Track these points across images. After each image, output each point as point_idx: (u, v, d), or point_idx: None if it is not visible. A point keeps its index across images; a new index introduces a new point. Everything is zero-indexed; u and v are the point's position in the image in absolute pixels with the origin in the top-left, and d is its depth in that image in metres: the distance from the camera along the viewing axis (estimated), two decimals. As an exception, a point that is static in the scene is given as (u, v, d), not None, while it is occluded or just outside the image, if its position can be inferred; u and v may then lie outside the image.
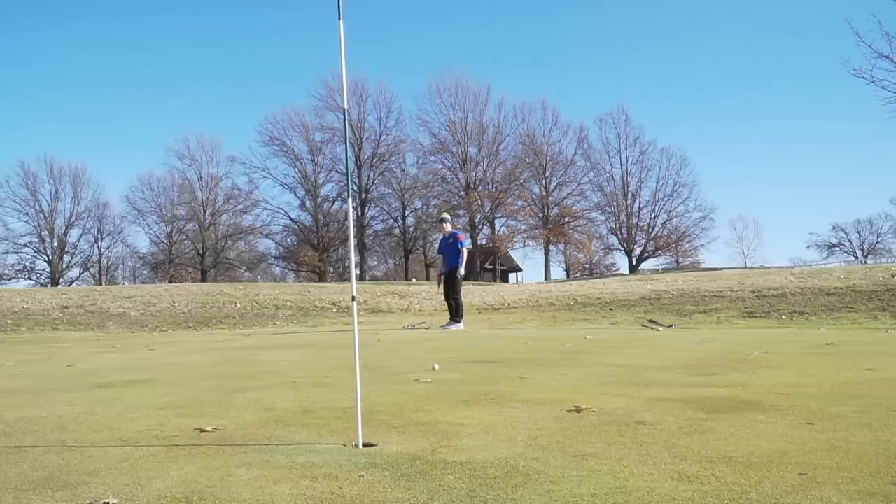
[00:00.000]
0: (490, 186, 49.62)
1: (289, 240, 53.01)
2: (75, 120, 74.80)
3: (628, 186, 51.73)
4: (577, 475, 2.08)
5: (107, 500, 1.90)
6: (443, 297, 11.72)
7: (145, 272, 55.69)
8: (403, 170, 51.38)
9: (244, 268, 54.84)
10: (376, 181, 50.64)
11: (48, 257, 50.25)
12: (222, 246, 52.26)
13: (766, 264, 47.40)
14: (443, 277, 11.58)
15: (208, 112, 77.44)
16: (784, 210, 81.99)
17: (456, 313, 11.29)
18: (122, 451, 2.53)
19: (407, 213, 51.12)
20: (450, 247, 11.46)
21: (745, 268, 42.44)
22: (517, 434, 2.73)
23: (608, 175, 51.77)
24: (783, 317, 12.60)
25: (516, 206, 49.84)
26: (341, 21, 3.03)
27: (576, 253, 52.54)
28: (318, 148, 49.77)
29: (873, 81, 18.20)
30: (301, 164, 50.18)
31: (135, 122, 76.72)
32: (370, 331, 10.58)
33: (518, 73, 71.73)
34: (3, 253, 49.16)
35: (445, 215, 12.40)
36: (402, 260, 53.05)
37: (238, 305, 17.21)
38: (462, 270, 11.34)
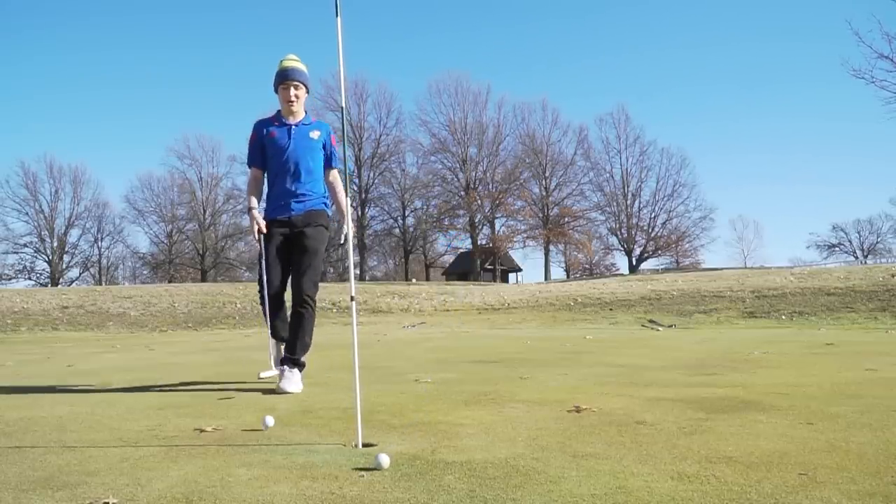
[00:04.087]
0: (490, 186, 49.64)
1: (289, 240, 52.96)
2: (75, 120, 75.02)
3: (628, 186, 51.80)
4: (577, 475, 2.08)
5: (107, 500, 1.90)
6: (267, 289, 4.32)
7: (145, 272, 55.74)
8: (403, 170, 51.45)
9: (244, 268, 54.86)
10: (376, 181, 50.67)
11: (48, 257, 50.27)
12: (222, 246, 52.28)
13: (766, 264, 47.49)
14: (278, 234, 4.35)
15: (208, 112, 77.58)
16: (784, 210, 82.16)
17: (297, 349, 4.27)
18: (122, 451, 2.53)
19: (407, 213, 51.16)
20: (307, 150, 4.36)
21: (745, 268, 42.45)
22: (517, 434, 2.73)
23: (608, 175, 51.88)
24: (783, 317, 12.60)
25: (516, 207, 49.89)
26: (339, 18, 3.03)
27: (576, 253, 52.61)
28: (318, 148, 49.76)
29: (873, 82, 18.21)
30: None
31: (135, 122, 76.91)
32: (370, 331, 10.59)
33: (518, 73, 71.84)
34: (3, 253, 49.26)
35: (295, 65, 4.36)
36: (402, 260, 53.05)
37: (238, 305, 17.23)
38: (348, 230, 3.86)
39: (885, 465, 2.14)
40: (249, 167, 4.52)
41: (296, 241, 4.35)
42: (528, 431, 2.77)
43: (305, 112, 4.47)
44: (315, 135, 4.41)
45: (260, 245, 4.31)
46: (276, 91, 4.37)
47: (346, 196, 3.53)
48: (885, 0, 20.39)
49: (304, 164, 4.35)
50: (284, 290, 4.43)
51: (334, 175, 4.56)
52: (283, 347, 4.41)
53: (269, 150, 4.38)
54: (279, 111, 4.44)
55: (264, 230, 4.28)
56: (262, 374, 4.12)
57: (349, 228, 3.87)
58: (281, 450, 2.51)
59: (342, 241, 4.22)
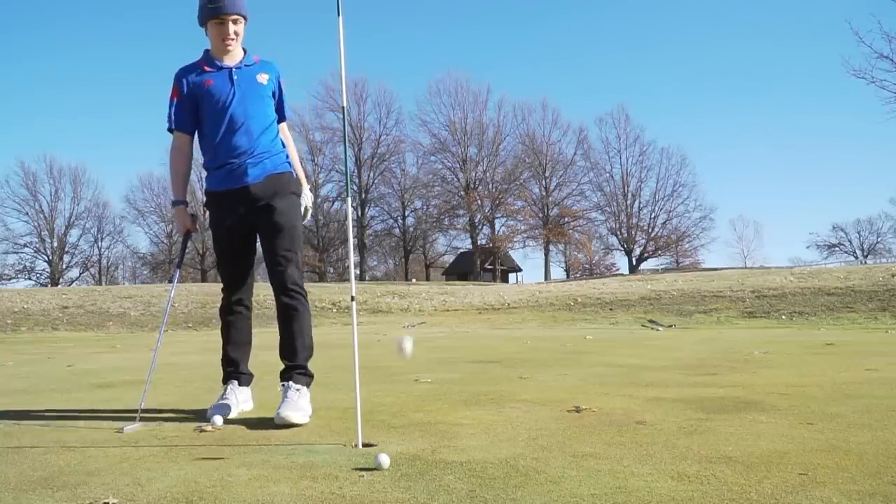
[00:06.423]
0: (490, 186, 49.68)
1: (289, 240, 53.04)
2: (75, 119, 75.05)
3: (628, 186, 51.81)
4: (577, 475, 2.08)
5: (107, 500, 1.90)
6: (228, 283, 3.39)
7: (145, 272, 55.75)
8: (403, 170, 51.50)
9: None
10: (376, 181, 50.70)
11: (48, 257, 50.30)
12: (222, 246, 52.18)
13: (766, 264, 47.48)
14: (233, 213, 3.28)
15: (208, 112, 77.57)
16: (784, 210, 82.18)
17: (298, 352, 3.20)
18: (122, 451, 2.53)
19: (407, 213, 51.20)
20: (258, 98, 3.30)
21: (745, 268, 42.46)
22: (517, 434, 2.73)
23: (608, 175, 51.90)
24: (783, 317, 12.61)
25: (516, 207, 49.93)
26: (340, 18, 3.02)
27: (576, 253, 52.60)
28: (318, 148, 49.87)
29: (873, 82, 18.23)
30: (301, 163, 50.32)
31: (135, 122, 76.98)
32: (370, 331, 10.59)
33: (518, 73, 71.88)
34: (3, 253, 49.29)
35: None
36: (402, 260, 53.07)
37: (238, 305, 17.20)
38: (308, 202, 3.48)
39: (885, 465, 2.14)
40: (173, 131, 3.32)
41: (261, 220, 3.22)
42: (528, 431, 2.77)
43: (244, 50, 3.31)
44: (263, 78, 3.29)
45: (182, 247, 3.50)
46: (203, 25, 3.21)
47: (348, 198, 3.33)
48: (885, 0, 20.41)
49: (257, 116, 3.24)
50: (248, 295, 3.40)
51: (284, 131, 3.47)
52: (238, 390, 3.31)
53: (205, 104, 3.23)
54: (207, 52, 3.28)
55: (194, 230, 3.35)
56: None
57: (309, 199, 3.28)
58: (281, 450, 2.51)
59: (305, 218, 3.42)
